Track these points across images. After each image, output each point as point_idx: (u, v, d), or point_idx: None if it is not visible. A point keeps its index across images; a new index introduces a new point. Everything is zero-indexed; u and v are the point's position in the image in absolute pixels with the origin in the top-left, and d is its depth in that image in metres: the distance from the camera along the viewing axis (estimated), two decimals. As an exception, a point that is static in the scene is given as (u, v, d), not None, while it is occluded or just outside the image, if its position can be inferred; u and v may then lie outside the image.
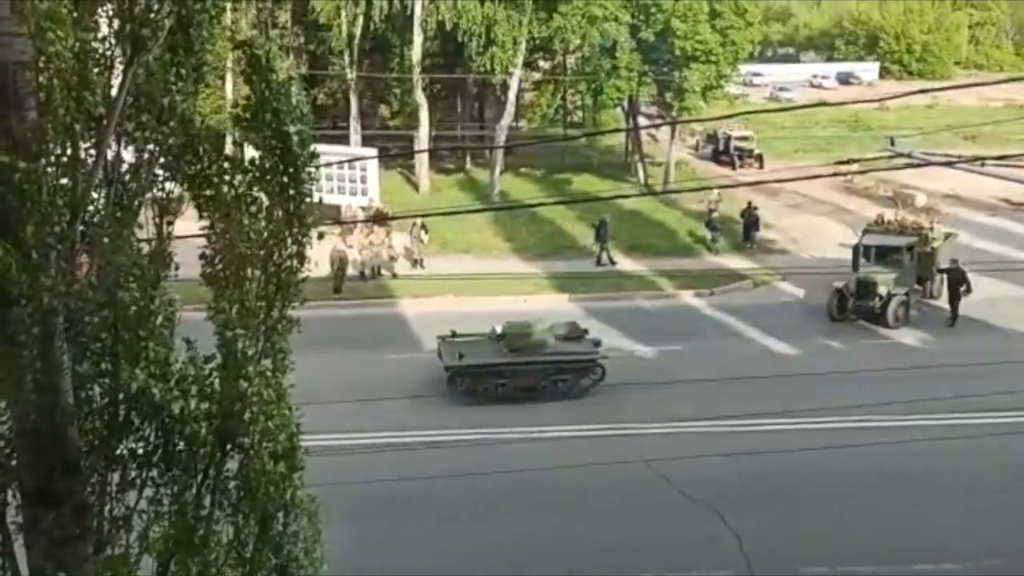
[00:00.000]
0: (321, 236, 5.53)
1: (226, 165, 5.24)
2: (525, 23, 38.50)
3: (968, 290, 24.96)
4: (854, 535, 14.55)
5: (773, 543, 14.31)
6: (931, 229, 27.24)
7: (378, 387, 19.18)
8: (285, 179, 5.22)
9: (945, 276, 25.59)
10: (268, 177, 5.24)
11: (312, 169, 5.32)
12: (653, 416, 18.33)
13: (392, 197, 35.79)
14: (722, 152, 47.57)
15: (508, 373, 19.84)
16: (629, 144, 45.68)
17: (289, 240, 5.29)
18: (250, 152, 5.32)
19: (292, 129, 5.15)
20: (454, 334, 20.36)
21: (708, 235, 32.65)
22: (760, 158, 45.31)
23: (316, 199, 5.45)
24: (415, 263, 29.79)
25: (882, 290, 24.39)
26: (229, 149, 5.36)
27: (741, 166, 44.86)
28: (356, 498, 13.55)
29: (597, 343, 20.67)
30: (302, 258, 5.40)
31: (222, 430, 5.17)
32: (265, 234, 5.25)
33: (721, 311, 26.29)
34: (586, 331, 21.16)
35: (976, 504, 15.31)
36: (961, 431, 16.76)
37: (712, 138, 49.50)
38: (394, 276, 28.78)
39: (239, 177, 5.23)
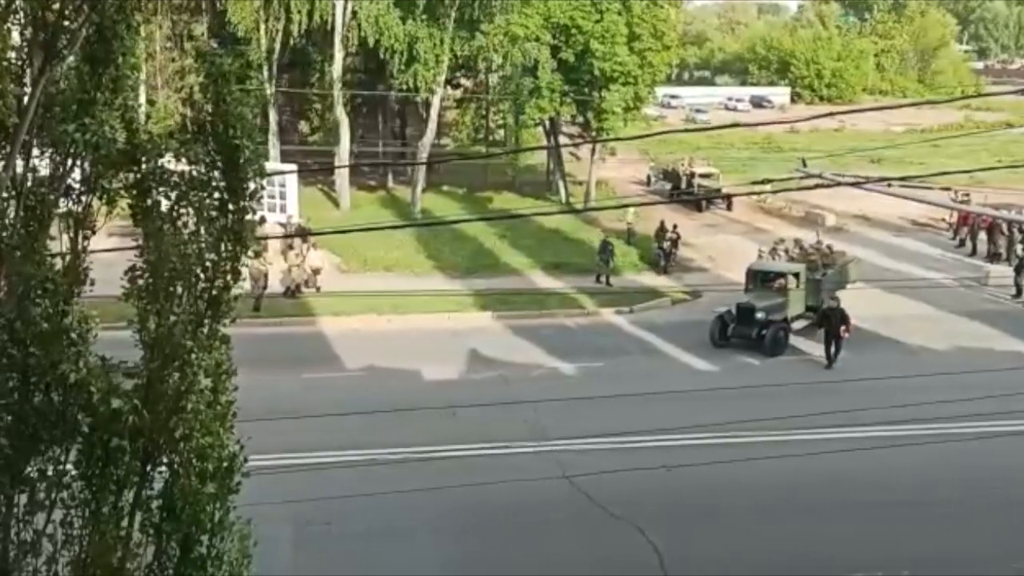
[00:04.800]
0: (258, 254, 5.43)
1: (163, 176, 5.11)
2: (447, 41, 38.65)
3: (847, 331, 23.35)
4: (776, 550, 14.81)
5: (694, 559, 14.50)
6: (828, 254, 27.38)
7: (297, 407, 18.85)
8: (226, 195, 5.11)
9: (825, 316, 23.55)
10: (208, 191, 5.12)
11: (257, 186, 5.22)
12: (573, 432, 18.41)
13: (312, 213, 35.33)
14: (683, 191, 41.63)
15: None
16: (551, 163, 46.13)
17: (225, 255, 5.17)
18: (183, 165, 5.19)
19: (245, 143, 5.06)
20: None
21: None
22: (728, 198, 39.10)
23: (258, 216, 5.35)
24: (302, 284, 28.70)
25: (760, 316, 23.75)
26: (165, 160, 5.22)
27: (708, 209, 39.55)
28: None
29: None
30: (237, 274, 5.29)
31: (149, 446, 5.02)
32: (198, 247, 5.12)
33: (641, 328, 26.66)
34: None
35: (889, 515, 15.78)
36: (875, 442, 17.27)
37: (670, 174, 43.83)
38: (317, 289, 28.42)
39: (176, 191, 5.10)
